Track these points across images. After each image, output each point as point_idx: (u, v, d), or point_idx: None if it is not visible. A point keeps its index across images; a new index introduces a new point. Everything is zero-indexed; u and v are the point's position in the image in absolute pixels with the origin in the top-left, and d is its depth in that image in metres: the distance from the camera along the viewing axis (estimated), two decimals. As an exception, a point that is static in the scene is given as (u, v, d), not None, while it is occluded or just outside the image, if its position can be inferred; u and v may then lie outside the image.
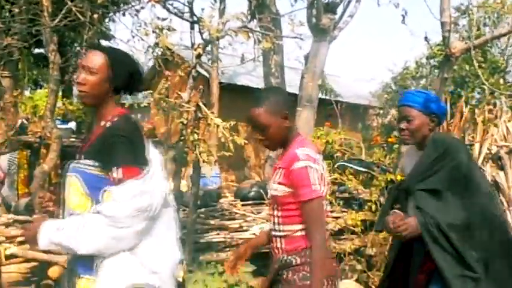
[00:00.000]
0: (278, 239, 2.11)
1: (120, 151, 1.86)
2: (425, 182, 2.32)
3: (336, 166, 5.78)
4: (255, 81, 10.94)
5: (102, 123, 1.94)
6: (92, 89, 1.92)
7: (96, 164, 1.88)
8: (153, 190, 1.89)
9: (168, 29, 4.50)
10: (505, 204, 6.53)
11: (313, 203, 1.97)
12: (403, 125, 2.41)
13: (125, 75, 1.97)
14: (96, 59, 1.91)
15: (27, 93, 14.08)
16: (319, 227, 2.00)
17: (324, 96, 12.40)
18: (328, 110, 11.88)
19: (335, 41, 7.75)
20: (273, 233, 2.13)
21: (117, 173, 1.84)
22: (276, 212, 2.11)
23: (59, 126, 7.22)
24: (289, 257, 2.06)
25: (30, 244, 2.49)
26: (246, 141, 4.10)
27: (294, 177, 1.99)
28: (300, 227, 2.05)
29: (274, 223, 2.12)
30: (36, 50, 11.59)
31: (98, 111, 1.99)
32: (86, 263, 1.86)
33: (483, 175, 2.55)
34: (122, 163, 1.85)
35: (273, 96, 2.13)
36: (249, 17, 6.47)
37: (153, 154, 1.99)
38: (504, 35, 5.94)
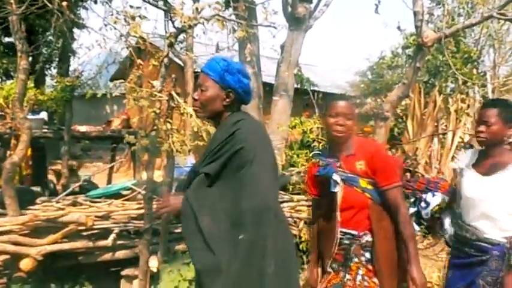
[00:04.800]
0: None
1: None
2: (209, 166, 1.97)
3: (311, 155, 5.78)
4: (232, 70, 10.87)
5: None
6: None
7: None
8: None
9: (140, 17, 4.41)
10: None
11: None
12: (195, 95, 2.07)
13: None
14: None
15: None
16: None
17: (300, 86, 12.43)
18: (305, 99, 11.93)
19: (312, 30, 7.75)
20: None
21: None
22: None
23: (30, 116, 7.07)
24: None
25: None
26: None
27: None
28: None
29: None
30: (6, 39, 11.31)
31: None
32: None
33: (269, 163, 1.96)
34: None
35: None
36: (223, 6, 6.40)
37: None
38: (474, 24, 6.01)
